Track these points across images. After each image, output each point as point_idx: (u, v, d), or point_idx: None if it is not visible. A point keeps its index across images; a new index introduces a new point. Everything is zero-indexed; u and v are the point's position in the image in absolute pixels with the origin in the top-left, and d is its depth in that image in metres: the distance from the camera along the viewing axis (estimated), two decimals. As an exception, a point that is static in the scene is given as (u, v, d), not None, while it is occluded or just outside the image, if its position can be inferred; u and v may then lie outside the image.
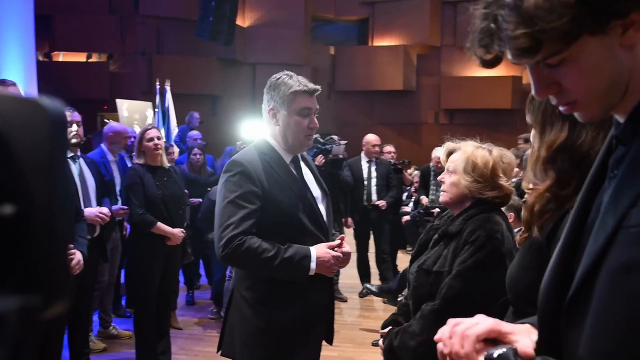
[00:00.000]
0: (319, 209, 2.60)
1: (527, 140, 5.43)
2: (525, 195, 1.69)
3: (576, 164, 1.56)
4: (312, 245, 2.53)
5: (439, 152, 8.38)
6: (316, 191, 2.66)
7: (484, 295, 2.14)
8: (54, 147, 0.46)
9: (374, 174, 7.04)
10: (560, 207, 1.56)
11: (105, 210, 4.27)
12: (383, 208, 6.88)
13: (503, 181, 2.30)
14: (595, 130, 1.58)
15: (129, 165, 5.29)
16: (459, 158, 2.35)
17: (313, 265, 2.45)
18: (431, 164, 7.64)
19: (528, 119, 1.73)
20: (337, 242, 2.56)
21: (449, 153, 2.42)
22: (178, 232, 4.53)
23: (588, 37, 0.92)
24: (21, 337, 0.40)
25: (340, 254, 2.52)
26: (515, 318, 1.74)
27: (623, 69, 0.95)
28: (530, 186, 1.70)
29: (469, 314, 1.36)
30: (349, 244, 2.73)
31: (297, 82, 2.56)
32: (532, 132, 1.73)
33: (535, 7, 0.88)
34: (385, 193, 7.00)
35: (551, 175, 1.60)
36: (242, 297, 2.54)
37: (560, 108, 1.03)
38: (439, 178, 2.38)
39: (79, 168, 4.27)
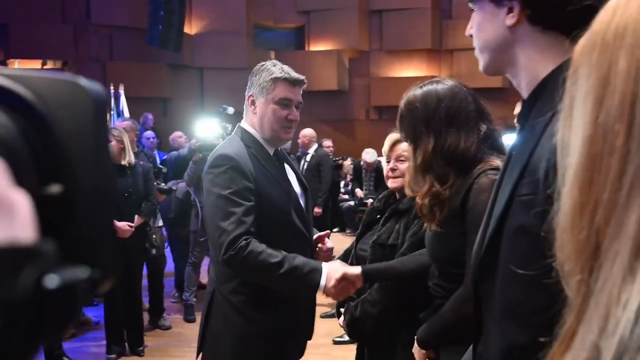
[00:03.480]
0: (302, 206, 2.29)
1: None
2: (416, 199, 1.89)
3: (448, 160, 1.75)
4: (300, 244, 2.20)
5: (367, 156, 8.62)
6: (296, 187, 2.32)
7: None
8: (97, 130, 0.42)
9: (305, 166, 7.11)
10: (443, 199, 1.78)
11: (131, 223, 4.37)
12: (317, 215, 6.90)
13: None
14: (455, 132, 1.81)
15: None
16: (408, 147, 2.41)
17: (323, 282, 2.04)
18: (361, 163, 8.00)
19: (401, 136, 1.95)
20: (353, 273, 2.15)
21: (393, 143, 2.46)
22: (124, 225, 4.40)
23: (488, 2, 1.10)
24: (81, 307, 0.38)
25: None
26: (442, 279, 1.87)
27: (504, 42, 1.10)
28: (411, 193, 1.95)
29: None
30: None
31: (279, 69, 2.19)
32: (406, 147, 1.99)
33: None
34: (316, 183, 7.02)
35: (429, 179, 1.81)
36: (226, 301, 2.16)
37: None
38: (390, 166, 2.37)
39: None
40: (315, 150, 7.26)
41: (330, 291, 2.06)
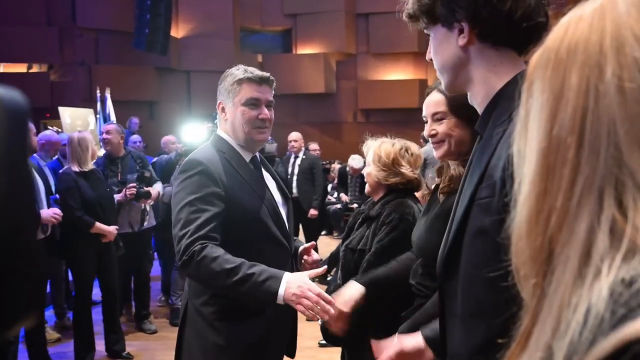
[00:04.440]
0: (282, 214, 2.18)
1: (424, 139, 5.75)
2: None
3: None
4: (279, 253, 2.10)
5: (353, 162, 8.64)
6: (277, 195, 2.23)
7: None
8: (12, 141, 0.39)
9: (296, 169, 7.08)
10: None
11: (57, 210, 4.23)
12: (313, 217, 6.97)
13: (404, 169, 2.38)
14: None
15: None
16: (370, 153, 2.46)
17: (282, 290, 1.86)
18: (347, 169, 8.08)
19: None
20: (321, 270, 2.02)
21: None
22: (113, 229, 4.50)
23: (440, 26, 1.19)
24: None
25: (326, 300, 1.86)
26: (426, 277, 1.86)
27: (458, 62, 1.18)
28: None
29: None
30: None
31: (243, 71, 2.14)
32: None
33: None
34: (308, 186, 7.03)
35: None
36: (197, 313, 2.08)
37: None
38: (363, 171, 2.44)
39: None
40: (304, 154, 7.25)
41: (290, 299, 1.84)
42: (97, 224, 4.35)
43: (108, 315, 4.60)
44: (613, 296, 0.45)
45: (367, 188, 2.50)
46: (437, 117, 1.81)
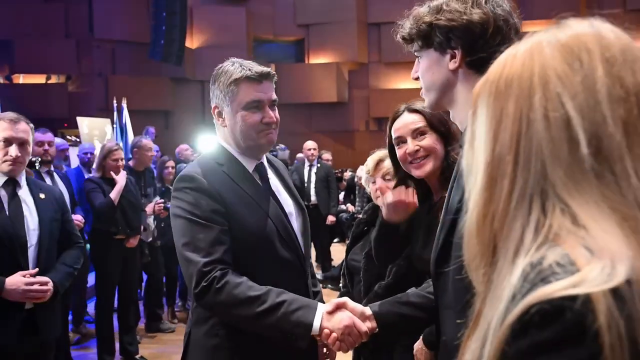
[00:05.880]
0: (293, 229, 1.84)
1: None
2: None
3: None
4: (289, 278, 1.77)
5: (362, 173, 8.62)
6: (289, 206, 1.90)
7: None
8: None
9: (313, 177, 7.13)
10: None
11: (79, 217, 4.33)
12: (332, 223, 7.13)
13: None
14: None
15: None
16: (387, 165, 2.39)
17: (317, 321, 1.58)
18: (356, 180, 8.13)
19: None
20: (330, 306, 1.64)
21: (377, 162, 2.40)
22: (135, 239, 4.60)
23: (433, 50, 1.30)
24: None
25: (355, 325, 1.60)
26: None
27: (446, 83, 1.30)
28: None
29: (416, 285, 1.81)
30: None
31: (239, 67, 1.80)
32: (390, 165, 2.06)
33: (417, 19, 1.30)
34: (325, 194, 7.10)
35: None
36: (200, 346, 1.79)
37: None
38: (377, 186, 2.26)
39: (52, 182, 4.30)
40: (318, 162, 7.31)
41: (327, 334, 1.59)
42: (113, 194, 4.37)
43: (123, 318, 4.67)
44: (523, 275, 0.59)
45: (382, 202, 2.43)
46: (419, 132, 1.79)
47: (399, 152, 1.83)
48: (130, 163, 5.26)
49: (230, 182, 1.77)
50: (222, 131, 1.87)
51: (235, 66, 1.81)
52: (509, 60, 0.68)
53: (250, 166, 1.85)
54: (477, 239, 0.67)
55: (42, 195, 2.65)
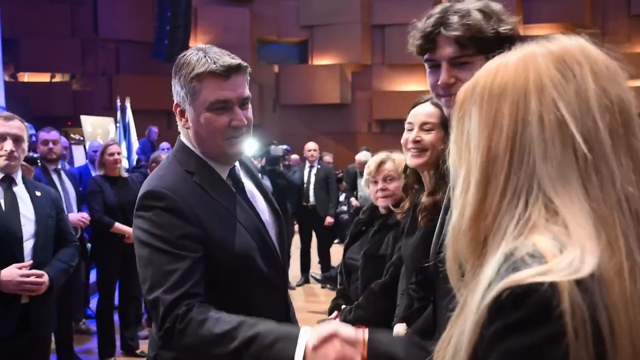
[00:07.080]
0: (272, 241, 1.60)
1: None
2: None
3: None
4: (268, 297, 1.55)
5: (362, 156, 8.53)
6: (265, 213, 1.65)
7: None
8: None
9: (312, 178, 7.15)
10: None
11: (85, 215, 4.37)
12: (330, 225, 7.09)
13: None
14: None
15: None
16: (395, 167, 2.42)
17: (300, 353, 1.27)
18: (356, 166, 7.85)
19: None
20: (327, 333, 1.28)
21: (379, 164, 2.47)
22: (130, 230, 4.59)
23: (484, 58, 1.22)
24: None
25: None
26: (419, 283, 1.91)
27: None
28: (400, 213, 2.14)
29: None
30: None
31: (202, 59, 1.48)
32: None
33: (478, 25, 1.28)
34: (324, 195, 7.10)
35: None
36: None
37: (442, 94, 1.34)
38: (379, 187, 2.43)
39: (60, 180, 4.34)
40: (319, 163, 7.34)
41: None
42: (117, 224, 4.44)
43: (124, 313, 4.69)
44: (498, 264, 0.65)
45: (388, 202, 2.41)
46: (427, 127, 1.81)
47: (404, 135, 1.86)
48: (148, 171, 5.28)
49: (204, 196, 1.49)
50: (186, 133, 1.59)
51: (199, 56, 1.49)
52: (500, 68, 0.73)
53: (223, 172, 1.58)
54: (468, 234, 0.72)
55: (37, 193, 2.69)
